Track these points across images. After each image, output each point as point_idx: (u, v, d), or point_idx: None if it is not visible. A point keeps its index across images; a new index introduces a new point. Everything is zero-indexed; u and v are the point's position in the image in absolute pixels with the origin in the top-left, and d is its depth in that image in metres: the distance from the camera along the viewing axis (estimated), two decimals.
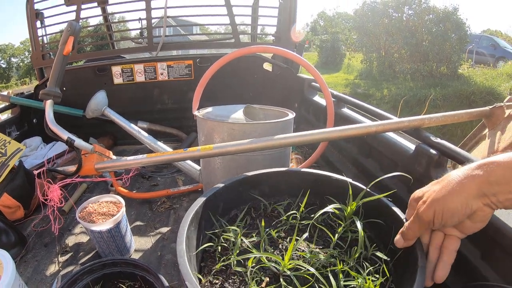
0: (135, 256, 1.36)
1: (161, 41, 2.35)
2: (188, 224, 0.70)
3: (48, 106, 1.28)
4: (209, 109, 1.49)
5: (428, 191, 0.64)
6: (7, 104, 2.22)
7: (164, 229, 1.52)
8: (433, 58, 13.29)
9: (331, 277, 0.65)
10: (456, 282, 0.93)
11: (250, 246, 0.74)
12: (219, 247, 0.77)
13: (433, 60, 13.36)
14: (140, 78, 2.44)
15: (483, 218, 0.59)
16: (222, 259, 0.72)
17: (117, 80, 2.42)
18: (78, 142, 1.23)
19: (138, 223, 1.57)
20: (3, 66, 30.23)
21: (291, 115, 1.38)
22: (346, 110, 1.73)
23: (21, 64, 30.47)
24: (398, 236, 0.69)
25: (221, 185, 0.85)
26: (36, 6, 2.33)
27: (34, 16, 2.32)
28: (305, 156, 1.97)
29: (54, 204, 1.22)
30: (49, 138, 1.90)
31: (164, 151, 1.65)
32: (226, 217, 0.88)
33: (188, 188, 1.78)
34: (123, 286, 1.05)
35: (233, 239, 0.76)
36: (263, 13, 2.64)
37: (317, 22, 27.53)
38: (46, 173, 1.24)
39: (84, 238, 1.46)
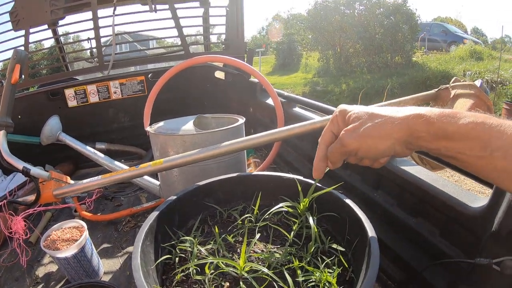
0: (105, 278, 1.35)
1: (111, 59, 2.32)
2: (143, 239, 0.71)
3: (1, 137, 1.26)
4: (161, 123, 1.50)
5: (358, 119, 0.63)
6: None
7: (131, 248, 1.51)
8: (387, 49, 13.71)
9: (286, 275, 0.67)
10: (421, 262, 0.98)
11: (206, 254, 0.76)
12: (177, 258, 0.78)
13: (387, 51, 13.78)
14: (94, 98, 2.40)
15: (399, 156, 0.63)
16: (181, 270, 0.73)
17: (71, 103, 2.37)
18: (34, 170, 1.21)
19: (105, 245, 1.56)
20: None
21: (241, 121, 1.41)
22: (297, 109, 1.77)
23: None
24: (329, 163, 0.70)
25: (174, 197, 0.86)
26: None
27: None
28: (264, 159, 1.97)
29: (19, 237, 1.20)
30: (8, 169, 1.86)
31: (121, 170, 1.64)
32: (184, 228, 0.89)
33: (151, 204, 1.78)
34: None
35: (189, 249, 0.78)
36: (214, 22, 2.65)
37: (272, 25, 27.74)
38: (7, 205, 1.22)
39: (54, 268, 1.43)
